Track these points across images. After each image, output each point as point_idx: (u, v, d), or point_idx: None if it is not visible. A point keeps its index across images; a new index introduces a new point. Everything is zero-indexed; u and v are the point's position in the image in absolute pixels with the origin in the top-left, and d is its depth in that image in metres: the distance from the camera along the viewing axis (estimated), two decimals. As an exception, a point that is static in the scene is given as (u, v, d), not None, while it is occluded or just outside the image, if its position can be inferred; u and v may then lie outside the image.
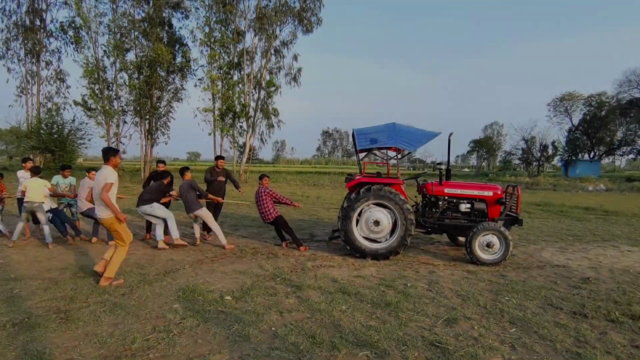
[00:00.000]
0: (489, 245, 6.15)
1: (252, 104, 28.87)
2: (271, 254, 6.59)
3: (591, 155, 52.15)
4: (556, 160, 58.18)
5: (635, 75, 45.30)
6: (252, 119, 28.73)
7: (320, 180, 28.47)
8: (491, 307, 4.31)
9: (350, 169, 66.92)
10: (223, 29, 27.56)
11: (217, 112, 27.71)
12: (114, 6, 25.15)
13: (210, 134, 28.09)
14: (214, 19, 26.98)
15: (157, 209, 6.79)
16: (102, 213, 4.76)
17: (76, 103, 25.70)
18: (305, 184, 26.20)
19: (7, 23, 26.07)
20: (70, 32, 26.12)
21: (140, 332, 3.47)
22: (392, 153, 7.80)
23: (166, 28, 27.40)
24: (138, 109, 26.46)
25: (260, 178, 7.41)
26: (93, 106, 25.58)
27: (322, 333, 3.52)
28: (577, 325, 3.88)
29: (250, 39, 28.78)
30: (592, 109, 50.53)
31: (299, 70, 29.99)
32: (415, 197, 7.47)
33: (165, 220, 6.84)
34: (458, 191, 6.72)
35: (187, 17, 27.97)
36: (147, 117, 27.06)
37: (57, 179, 7.51)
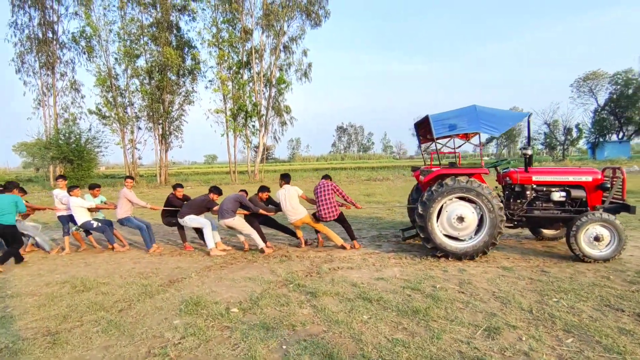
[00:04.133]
0: (597, 238, 5.29)
1: (264, 102, 28.56)
2: (284, 257, 6.12)
3: (619, 136, 49.69)
4: (582, 143, 55.81)
5: (664, 49, 42.67)
6: (264, 117, 28.42)
7: (337, 176, 27.88)
8: (538, 311, 3.70)
9: (366, 163, 66.01)
10: (230, 28, 27.28)
11: (228, 113, 27.48)
12: (122, 13, 25.21)
13: (222, 135, 27.92)
14: (221, 18, 26.71)
15: (189, 221, 6.61)
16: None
17: (90, 112, 25.98)
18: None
19: (20, 37, 26.56)
20: (82, 42, 26.32)
21: (133, 356, 3.03)
22: (459, 141, 7.00)
23: (174, 31, 27.30)
24: (151, 114, 26.51)
25: (325, 178, 6.87)
26: (107, 114, 25.77)
27: (340, 351, 3.00)
28: (647, 331, 3.23)
29: (258, 37, 28.48)
30: (618, 87, 48.03)
31: (309, 65, 29.52)
32: (496, 187, 6.63)
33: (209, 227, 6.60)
34: (549, 178, 5.94)
35: (194, 19, 27.83)
36: (160, 121, 27.08)
37: (88, 198, 7.26)
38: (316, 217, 6.61)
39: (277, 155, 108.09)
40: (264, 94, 28.60)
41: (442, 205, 5.66)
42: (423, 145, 7.33)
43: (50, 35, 26.82)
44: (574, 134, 53.85)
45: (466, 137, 6.83)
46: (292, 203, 6.57)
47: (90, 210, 6.99)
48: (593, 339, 3.12)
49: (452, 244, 5.61)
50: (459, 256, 5.56)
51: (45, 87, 27.25)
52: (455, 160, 6.98)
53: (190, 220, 6.60)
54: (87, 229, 6.97)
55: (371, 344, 3.11)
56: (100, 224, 6.94)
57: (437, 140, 6.03)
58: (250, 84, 28.00)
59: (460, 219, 5.58)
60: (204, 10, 27.04)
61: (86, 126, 30.99)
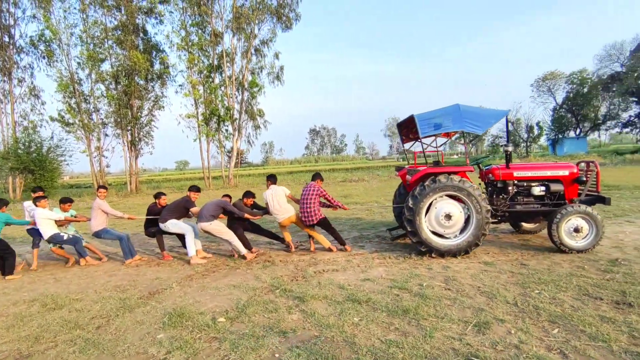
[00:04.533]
0: (576, 230, 5.49)
1: (237, 107, 28.14)
2: (267, 262, 6.00)
3: (577, 133, 52.45)
4: (543, 140, 58.51)
5: (615, 49, 45.56)
6: (237, 121, 28.00)
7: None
8: (523, 303, 3.79)
9: (340, 165, 66.43)
10: (200, 31, 26.75)
11: (200, 118, 26.89)
12: (84, 16, 24.14)
13: (195, 140, 27.27)
14: (190, 21, 26.14)
15: (171, 226, 6.38)
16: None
17: (52, 119, 24.66)
18: (297, 183, 25.55)
19: (-25, 42, 24.87)
20: (42, 47, 25.00)
21: (117, 376, 2.86)
22: (441, 139, 7.08)
23: (141, 35, 26.42)
24: (119, 120, 25.49)
25: (315, 178, 6.81)
26: (71, 121, 24.55)
27: (335, 357, 2.95)
28: (626, 317, 3.38)
29: (229, 40, 28.14)
30: (574, 86, 50.74)
31: (282, 68, 29.33)
32: (479, 184, 6.67)
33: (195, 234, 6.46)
34: (529, 173, 6.12)
35: (161, 22, 27.01)
36: (129, 128, 26.10)
37: (57, 212, 6.74)
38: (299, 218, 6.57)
39: (251, 159, 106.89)
40: (236, 97, 28.18)
41: (432, 202, 5.73)
42: (406, 145, 7.40)
43: (7, 39, 25.33)
44: (535, 131, 56.40)
45: (448, 135, 6.97)
46: (280, 202, 6.49)
47: (59, 224, 6.58)
48: (577, 329, 3.22)
49: (437, 241, 5.69)
50: (441, 253, 5.64)
51: (2, 94, 25.68)
52: (438, 159, 7.11)
53: (172, 225, 6.36)
54: (56, 242, 6.50)
55: (365, 346, 3.08)
56: (71, 236, 6.55)
57: (422, 140, 6.11)
58: (222, 88, 27.50)
59: (448, 217, 5.65)
60: (171, 13, 26.35)
61: (48, 134, 29.43)
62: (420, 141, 6.19)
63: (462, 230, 5.74)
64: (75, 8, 24.01)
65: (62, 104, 24.34)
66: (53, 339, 3.58)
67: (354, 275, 5.06)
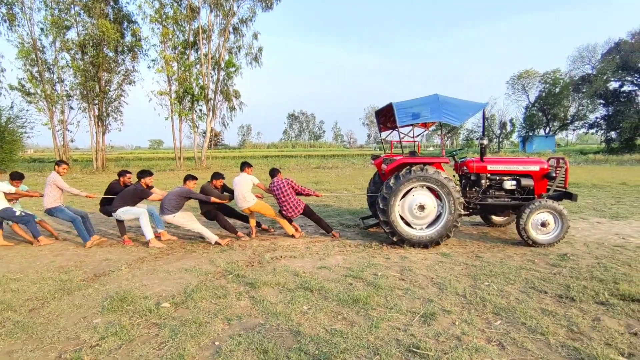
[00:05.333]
0: (543, 224, 5.61)
1: (212, 86, 27.32)
2: (226, 246, 5.86)
3: (546, 131, 54.30)
4: (514, 137, 60.31)
5: (587, 52, 47.05)
6: (212, 101, 27.22)
7: (287, 164, 27.64)
8: (471, 295, 3.83)
9: (317, 151, 66.27)
10: (175, 4, 25.58)
11: (173, 95, 25.96)
12: (49, -22, 22.55)
13: (167, 119, 26.38)
14: (165, -7, 24.90)
15: (122, 214, 6.06)
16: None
17: (12, 87, 23.14)
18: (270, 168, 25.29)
19: None
20: (3, 9, 23.25)
21: (41, 362, 2.68)
22: (418, 130, 7.06)
23: (111, 3, 25.01)
24: (85, 93, 24.23)
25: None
26: (32, 90, 23.15)
27: (276, 345, 2.87)
28: (567, 311, 3.47)
29: (206, 16, 26.99)
30: (547, 85, 52.27)
31: (260, 49, 28.60)
32: (454, 176, 6.69)
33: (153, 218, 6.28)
34: (502, 167, 6.17)
35: (134, -9, 25.64)
36: (96, 101, 24.87)
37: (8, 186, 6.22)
38: (282, 214, 6.44)
39: (227, 141, 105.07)
40: (211, 77, 27.32)
41: (406, 192, 5.69)
42: (383, 134, 7.34)
43: (-38, -2, 23.37)
44: (508, 127, 58.03)
45: (425, 126, 6.92)
46: (243, 191, 6.32)
47: (9, 199, 6.14)
48: (519, 321, 3.28)
49: (409, 231, 5.69)
50: (413, 244, 5.65)
51: (-45, 58, 23.84)
52: (414, 149, 7.08)
53: (123, 213, 6.03)
54: (7, 218, 6.02)
55: (309, 336, 3.02)
56: (24, 213, 6.13)
57: (400, 129, 6.04)
58: (197, 66, 26.58)
59: (421, 208, 5.65)
60: (145, -18, 25.02)
61: (7, 103, 27.66)
62: (398, 130, 6.12)
63: (434, 222, 5.76)
64: (39, -31, 22.39)
65: (22, 72, 22.90)
66: (-21, 321, 3.33)
67: (310, 263, 5.00)
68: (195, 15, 25.93)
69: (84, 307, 3.62)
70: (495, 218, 7.26)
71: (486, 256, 5.25)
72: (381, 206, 5.66)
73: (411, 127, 6.51)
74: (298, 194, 6.46)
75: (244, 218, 6.89)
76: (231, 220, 6.68)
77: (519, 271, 4.56)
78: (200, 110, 27.34)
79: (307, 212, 6.45)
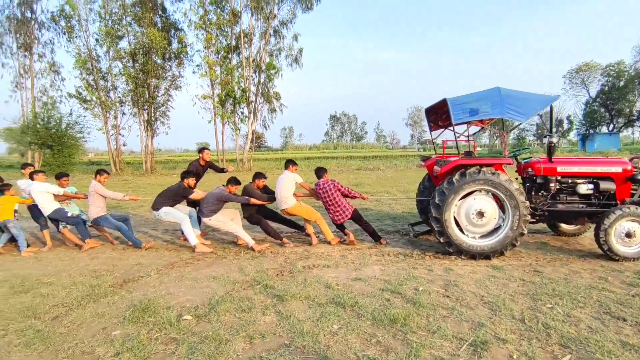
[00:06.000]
0: (628, 235, 4.82)
1: (253, 89, 27.72)
2: (259, 253, 5.62)
3: (610, 128, 49.83)
4: (573, 135, 55.94)
5: (657, 41, 42.50)
6: (253, 104, 27.63)
7: (328, 165, 27.33)
8: (531, 320, 3.26)
9: (359, 153, 65.55)
10: (218, 10, 26.25)
11: (216, 99, 26.64)
12: (103, -9, 24.01)
13: (210, 122, 27.12)
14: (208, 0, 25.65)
15: (164, 215, 5.95)
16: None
17: (70, 95, 24.93)
18: (312, 169, 25.16)
19: (0, 18, 25.19)
20: (62, 22, 25.08)
21: (52, 379, 2.53)
22: (474, 128, 6.38)
23: (159, 12, 26.17)
24: (135, 99, 25.53)
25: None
26: (88, 97, 24.74)
27: (299, 373, 2.53)
28: (656, 347, 2.81)
29: (247, 20, 27.45)
30: (610, 79, 47.96)
31: (300, 51, 28.68)
32: (516, 179, 5.92)
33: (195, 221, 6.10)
34: (575, 169, 5.44)
35: None
36: (146, 107, 26.13)
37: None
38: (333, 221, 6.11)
39: (270, 143, 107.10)
40: (253, 79, 27.76)
41: (463, 197, 5.14)
42: (433, 133, 6.75)
43: (29, 14, 25.53)
44: (565, 125, 53.92)
45: (483, 123, 6.26)
46: (282, 190, 6.01)
47: (58, 200, 6.26)
48: (594, 357, 2.69)
49: (460, 237, 5.11)
50: (461, 250, 5.08)
51: (23, 69, 26.04)
52: (470, 149, 6.48)
53: (166, 215, 5.93)
54: (60, 218, 6.10)
55: (337, 362, 2.65)
56: (74, 214, 6.20)
57: (455, 127, 5.46)
58: (239, 69, 27.11)
59: (480, 214, 5.06)
60: (190, -11, 25.93)
61: (67, 110, 29.83)
62: (453, 128, 5.53)
63: (490, 233, 5.15)
64: (93, -18, 23.90)
65: (79, 80, 24.54)
66: (5, 327, 3.30)
67: (345, 273, 4.61)
68: (237, 19, 26.46)
69: (106, 316, 3.50)
70: (564, 226, 6.39)
71: (547, 271, 4.57)
72: (434, 213, 5.12)
73: (466, 125, 5.86)
74: (343, 196, 6.08)
75: (290, 223, 6.59)
76: (275, 225, 6.38)
77: (589, 291, 3.88)
78: (242, 112, 27.86)
79: (356, 217, 6.04)
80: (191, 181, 6.14)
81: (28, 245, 6.02)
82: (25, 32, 25.23)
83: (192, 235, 5.84)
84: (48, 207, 5.97)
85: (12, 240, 6.10)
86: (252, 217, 6.18)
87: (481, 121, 6.05)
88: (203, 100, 26.92)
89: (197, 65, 27.43)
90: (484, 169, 5.04)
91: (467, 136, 6.21)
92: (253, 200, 5.97)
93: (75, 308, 3.67)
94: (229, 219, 6.01)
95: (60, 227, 6.30)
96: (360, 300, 3.72)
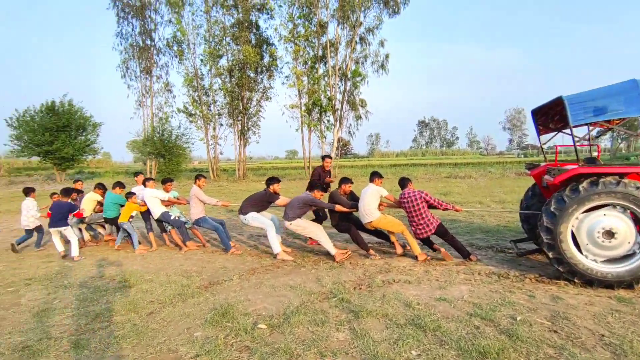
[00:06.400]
0: None
1: (339, 97, 28.10)
2: (338, 264, 5.51)
3: None
4: None
5: None
6: (339, 111, 27.99)
7: (415, 172, 26.33)
8: (673, 374, 2.55)
9: (449, 159, 62.01)
10: (306, 23, 27.29)
11: (303, 108, 27.63)
12: (208, 17, 26.79)
13: (297, 130, 28.20)
14: (297, 14, 26.85)
15: (251, 220, 6.15)
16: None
17: (179, 110, 28.16)
18: (397, 178, 24.44)
19: (125, 45, 29.82)
20: (175, 47, 28.65)
21: (139, 374, 2.71)
22: (597, 130, 5.61)
23: (254, 30, 28.23)
24: (231, 111, 27.84)
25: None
26: (193, 112, 27.71)
27: (371, 404, 2.30)
28: None
29: (333, 30, 27.98)
30: None
31: (387, 56, 28.18)
32: None
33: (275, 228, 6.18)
34: None
35: (272, 17, 28.43)
36: (239, 118, 28.31)
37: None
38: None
39: (356, 150, 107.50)
40: (339, 87, 28.16)
41: (585, 212, 4.35)
42: (542, 138, 5.93)
43: (149, 42, 29.71)
44: None
45: (610, 123, 5.24)
46: (364, 204, 5.82)
47: (163, 205, 7.00)
48: None
49: (586, 263, 4.29)
50: (574, 272, 4.29)
51: (144, 90, 30.30)
52: (592, 155, 5.57)
53: (253, 219, 6.14)
54: (164, 220, 6.83)
55: (415, 397, 2.36)
56: (177, 218, 6.88)
57: (573, 129, 4.68)
58: (325, 78, 27.77)
59: (609, 234, 4.24)
60: (280, 7, 27.46)
61: (176, 124, 33.88)
62: (571, 131, 4.71)
63: (619, 259, 4.29)
64: (200, 10, 26.84)
65: (187, 97, 27.63)
66: (109, 319, 3.70)
67: (428, 291, 4.23)
68: (324, 30, 27.15)
69: (191, 316, 3.70)
70: None
71: (695, 309, 3.60)
72: (546, 239, 4.35)
73: (587, 127, 4.95)
74: (432, 207, 5.64)
75: (380, 235, 6.35)
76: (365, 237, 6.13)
77: None
78: (328, 120, 28.41)
79: (441, 232, 5.56)
80: (276, 187, 6.32)
81: (139, 243, 6.83)
82: (146, 57, 29.38)
83: (276, 243, 5.97)
84: (156, 210, 6.73)
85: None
86: (341, 225, 6.10)
87: (608, 122, 5.05)
88: (291, 110, 28.13)
89: (286, 77, 28.85)
90: (625, 180, 4.17)
91: (588, 139, 5.22)
92: (338, 207, 5.89)
93: (168, 306, 3.97)
94: (312, 225, 6.00)
95: (168, 228, 7.02)
96: (443, 325, 3.34)
